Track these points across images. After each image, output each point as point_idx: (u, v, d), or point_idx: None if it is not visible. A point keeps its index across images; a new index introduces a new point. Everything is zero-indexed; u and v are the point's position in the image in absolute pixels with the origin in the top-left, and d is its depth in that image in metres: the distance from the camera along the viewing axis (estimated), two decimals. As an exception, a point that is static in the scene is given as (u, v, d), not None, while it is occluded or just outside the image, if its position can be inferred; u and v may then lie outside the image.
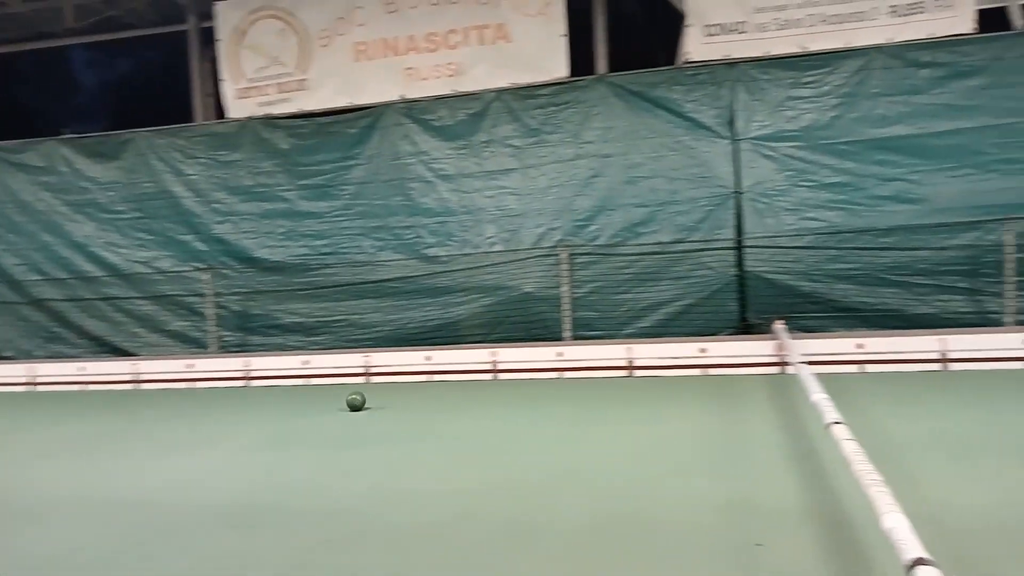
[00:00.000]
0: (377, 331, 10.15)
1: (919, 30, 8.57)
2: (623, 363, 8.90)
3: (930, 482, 4.64)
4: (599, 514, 4.50)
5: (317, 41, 10.42)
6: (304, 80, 10.49)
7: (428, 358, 9.45)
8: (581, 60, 9.77)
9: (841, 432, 4.09)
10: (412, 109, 10.14)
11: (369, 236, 10.27)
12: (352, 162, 10.35)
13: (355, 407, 7.74)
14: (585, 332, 9.49)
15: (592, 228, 9.60)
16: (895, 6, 8.62)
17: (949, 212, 8.39)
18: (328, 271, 10.35)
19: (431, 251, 10.04)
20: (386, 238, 10.21)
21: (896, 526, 2.84)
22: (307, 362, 9.89)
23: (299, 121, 10.59)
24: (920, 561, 2.56)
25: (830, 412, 4.58)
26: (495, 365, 9.22)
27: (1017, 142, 8.29)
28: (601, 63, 9.77)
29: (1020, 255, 8.16)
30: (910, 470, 4.85)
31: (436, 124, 10.10)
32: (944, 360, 7.80)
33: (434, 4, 9.91)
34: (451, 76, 9.95)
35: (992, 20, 8.59)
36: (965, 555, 3.61)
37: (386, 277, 10.12)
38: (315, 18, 10.39)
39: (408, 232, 10.14)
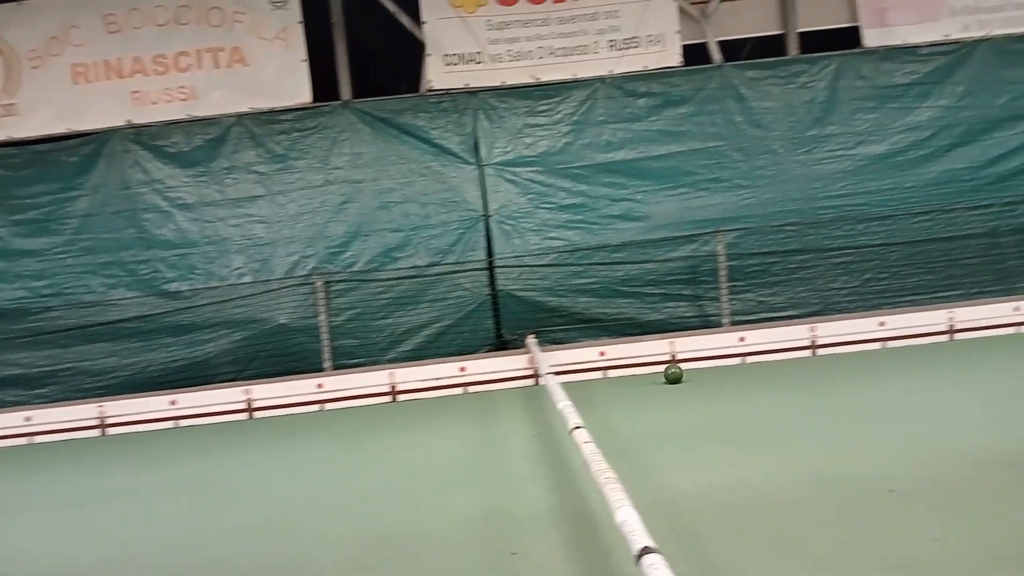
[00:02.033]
0: (113, 377, 9.25)
1: (635, 63, 9.45)
2: (386, 389, 8.87)
3: (663, 472, 5.09)
4: (362, 542, 4.45)
5: (27, 63, 9.40)
6: (13, 105, 9.39)
7: (174, 402, 8.78)
8: (325, 86, 9.66)
9: (581, 436, 4.37)
10: (142, 135, 9.43)
11: (98, 273, 9.36)
12: (74, 193, 9.40)
13: (675, 379, 7.95)
14: (346, 361, 9.33)
15: (347, 255, 9.48)
16: (613, 41, 9.44)
17: (670, 227, 9.30)
18: (51, 315, 9.28)
19: (171, 286, 9.36)
20: (119, 274, 9.36)
21: (626, 519, 3.08)
22: (30, 418, 8.81)
23: (9, 150, 9.45)
24: (646, 550, 2.80)
25: (573, 418, 4.88)
26: (250, 404, 8.78)
27: (720, 163, 9.38)
28: (345, 89, 9.72)
29: (731, 263, 9.20)
30: (646, 463, 5.28)
31: (170, 150, 9.47)
32: (674, 361, 8.57)
33: (161, 25, 9.31)
34: (185, 100, 9.39)
35: (695, 54, 9.67)
36: (694, 535, 3.99)
37: (121, 317, 9.29)
38: (23, 38, 9.35)
39: (144, 267, 9.38)
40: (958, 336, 8.62)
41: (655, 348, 8.63)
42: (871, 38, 9.39)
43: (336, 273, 9.42)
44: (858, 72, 9.36)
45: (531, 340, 8.87)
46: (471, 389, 8.79)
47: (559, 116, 9.46)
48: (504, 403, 8.04)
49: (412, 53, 9.71)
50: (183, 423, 8.70)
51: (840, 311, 9.13)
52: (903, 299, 9.16)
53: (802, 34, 9.71)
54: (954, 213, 9.31)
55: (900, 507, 4.17)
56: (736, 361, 8.58)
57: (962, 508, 4.08)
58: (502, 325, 9.37)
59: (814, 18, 9.59)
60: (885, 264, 9.25)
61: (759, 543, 3.84)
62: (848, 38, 9.56)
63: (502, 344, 9.39)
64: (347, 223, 9.50)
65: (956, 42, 9.41)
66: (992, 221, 9.36)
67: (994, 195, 9.34)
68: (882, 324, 8.62)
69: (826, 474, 4.78)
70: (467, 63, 9.46)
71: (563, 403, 5.35)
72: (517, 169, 9.48)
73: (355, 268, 9.46)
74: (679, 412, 6.82)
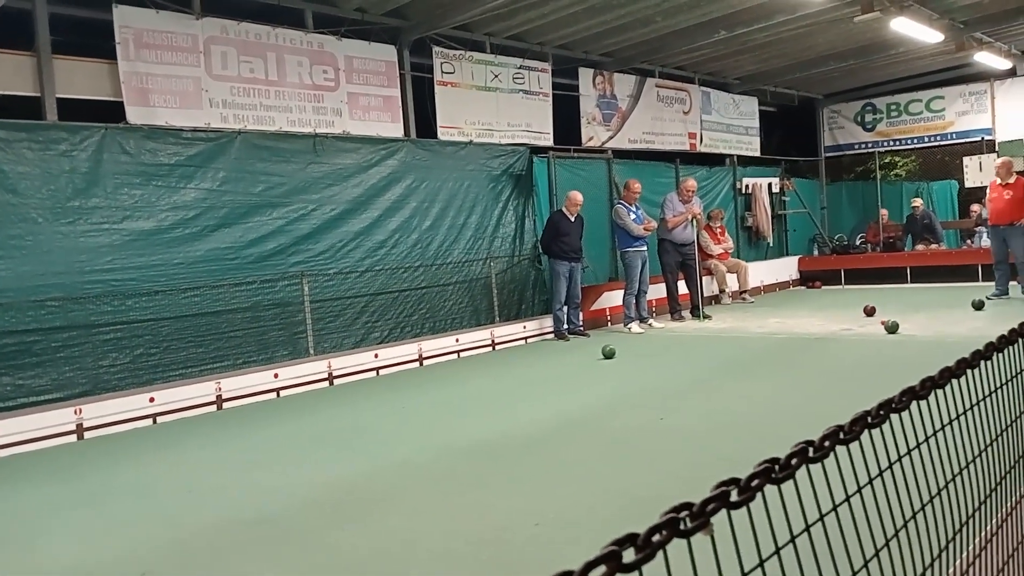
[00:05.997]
0: None
1: None
2: None
3: None
4: None
5: None
6: None
7: None
8: None
9: None
10: None
11: None
12: None
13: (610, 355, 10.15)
14: None
15: None
16: None
17: None
18: None
19: None
20: None
21: None
22: None
23: None
24: None
25: None
26: None
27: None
28: None
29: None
30: None
31: None
32: None
33: None
34: None
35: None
36: None
37: None
38: None
39: None
40: (226, 405, 9.12)
41: None
42: (134, 115, 9.45)
43: None
44: (123, 147, 9.27)
45: None
46: None
47: None
48: None
49: None
50: None
51: (111, 389, 8.77)
52: (174, 373, 9.30)
53: (69, 100, 9.22)
54: (221, 289, 9.93)
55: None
56: (-12, 457, 7.43)
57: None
58: None
59: (75, 87, 9.22)
60: (156, 339, 9.27)
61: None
62: (117, 111, 9.44)
63: None
64: None
65: (217, 131, 10.16)
66: (255, 296, 10.28)
67: (255, 273, 10.29)
68: (152, 400, 8.57)
69: (76, 570, 4.43)
70: None
71: None
72: None
73: None
74: None
